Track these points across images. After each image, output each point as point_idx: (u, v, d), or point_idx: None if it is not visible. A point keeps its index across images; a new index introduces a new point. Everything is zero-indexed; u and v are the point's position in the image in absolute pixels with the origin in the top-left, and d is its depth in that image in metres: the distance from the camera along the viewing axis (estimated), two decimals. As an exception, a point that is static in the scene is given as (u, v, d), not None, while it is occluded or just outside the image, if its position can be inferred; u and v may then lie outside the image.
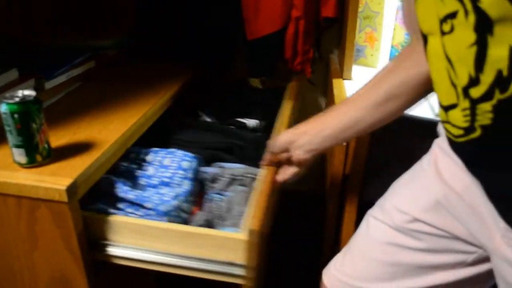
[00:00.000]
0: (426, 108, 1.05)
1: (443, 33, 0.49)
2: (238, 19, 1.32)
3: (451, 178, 0.65)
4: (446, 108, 0.53)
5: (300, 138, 0.80)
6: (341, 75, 1.28)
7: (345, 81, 1.25)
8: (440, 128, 0.72)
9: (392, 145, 0.85)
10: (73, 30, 1.41)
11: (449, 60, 0.49)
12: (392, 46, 1.42)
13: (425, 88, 0.68)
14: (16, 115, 0.71)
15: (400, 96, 0.69)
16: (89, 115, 0.94)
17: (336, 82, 1.22)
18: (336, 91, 1.15)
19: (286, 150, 0.82)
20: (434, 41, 0.52)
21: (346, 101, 0.77)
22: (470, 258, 0.69)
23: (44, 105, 0.96)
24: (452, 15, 0.46)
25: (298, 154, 0.81)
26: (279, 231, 1.73)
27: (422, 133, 0.83)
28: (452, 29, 0.47)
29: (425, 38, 0.54)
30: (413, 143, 0.84)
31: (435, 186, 0.68)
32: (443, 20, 0.48)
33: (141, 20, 1.40)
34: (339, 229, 1.07)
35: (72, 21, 1.41)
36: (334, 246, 1.11)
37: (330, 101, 1.39)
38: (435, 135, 0.76)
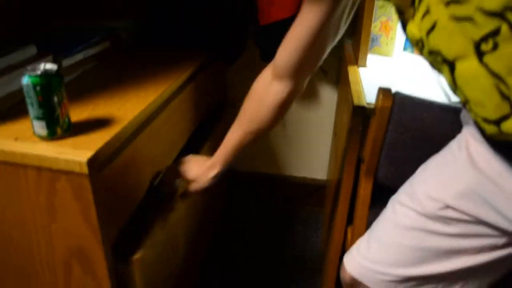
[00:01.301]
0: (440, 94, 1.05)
1: (482, 54, 0.50)
2: (251, 5, 1.32)
3: (485, 165, 0.65)
4: (498, 121, 0.54)
5: (196, 176, 0.94)
6: (356, 62, 1.27)
7: (360, 69, 1.25)
8: (467, 117, 0.72)
9: (411, 128, 0.85)
10: (87, 10, 1.41)
11: (497, 76, 0.50)
12: (407, 36, 1.42)
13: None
14: (38, 88, 0.71)
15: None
16: (106, 93, 0.94)
17: (351, 69, 1.22)
18: (351, 78, 1.15)
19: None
20: (468, 64, 0.53)
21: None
22: (500, 242, 0.69)
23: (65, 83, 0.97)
24: (494, 33, 0.48)
25: (195, 186, 0.96)
26: (281, 220, 1.75)
27: (442, 118, 0.84)
28: (496, 46, 0.49)
29: (451, 65, 0.55)
30: (432, 128, 0.84)
31: (468, 172, 0.68)
32: (482, 41, 0.49)
33: (154, 3, 1.40)
34: (351, 215, 1.07)
35: (86, 1, 1.41)
36: (345, 231, 1.12)
37: (342, 88, 1.39)
38: (456, 121, 0.76)
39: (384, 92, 0.85)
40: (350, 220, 1.10)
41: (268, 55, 1.40)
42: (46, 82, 0.71)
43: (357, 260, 0.82)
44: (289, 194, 1.82)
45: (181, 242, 1.12)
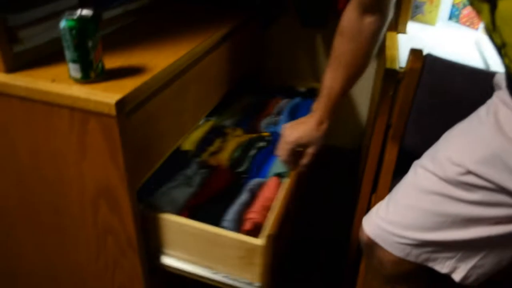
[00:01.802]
0: (478, 60, 1.01)
1: None
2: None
3: None
4: None
5: (308, 136, 0.89)
6: (395, 28, 1.24)
7: (399, 35, 1.21)
8: (500, 81, 0.69)
9: (441, 93, 0.83)
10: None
11: None
12: (453, 5, 1.35)
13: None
14: (73, 31, 0.74)
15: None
16: (142, 45, 0.97)
17: (389, 35, 1.19)
18: (388, 43, 1.12)
19: (299, 146, 0.91)
20: (507, 4, 0.51)
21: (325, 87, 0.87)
22: None
23: (101, 33, 1.00)
24: None
25: (312, 149, 0.91)
26: (314, 184, 1.74)
27: (474, 83, 0.81)
28: None
29: (492, 3, 0.53)
30: (462, 93, 0.81)
31: (495, 138, 0.66)
32: None
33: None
34: (376, 180, 1.06)
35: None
36: (371, 195, 1.11)
37: (380, 56, 1.36)
38: (488, 86, 0.73)
39: (415, 52, 0.83)
40: (375, 188, 1.09)
41: (308, 20, 1.39)
42: (82, 26, 0.75)
43: (375, 221, 0.82)
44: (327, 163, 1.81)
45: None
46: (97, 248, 0.91)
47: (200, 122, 1.21)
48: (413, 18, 1.34)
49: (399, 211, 0.78)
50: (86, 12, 0.77)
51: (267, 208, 0.90)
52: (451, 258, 0.76)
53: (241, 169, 1.04)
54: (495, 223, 0.71)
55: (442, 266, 0.77)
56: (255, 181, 0.99)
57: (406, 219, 0.77)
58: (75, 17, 0.75)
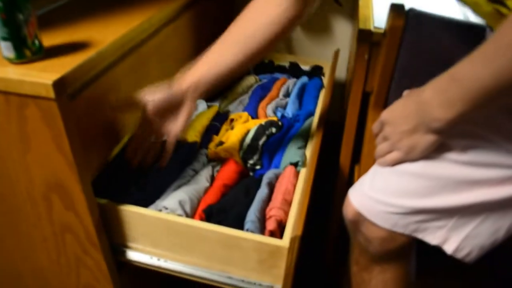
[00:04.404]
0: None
1: None
2: None
3: None
4: None
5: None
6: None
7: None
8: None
9: (426, 53, 0.75)
10: None
11: None
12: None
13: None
14: (0, 4, 0.64)
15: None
16: (88, 20, 0.86)
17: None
18: (361, 2, 1.03)
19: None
20: None
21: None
22: None
23: (45, 10, 0.89)
24: None
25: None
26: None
27: (464, 40, 0.72)
28: None
29: None
30: (450, 51, 0.73)
31: None
32: None
33: None
34: (359, 150, 0.99)
35: None
36: (353, 166, 1.04)
37: (354, 15, 1.27)
38: (480, 43, 0.65)
39: (395, 8, 0.74)
40: (356, 160, 1.02)
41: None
42: (8, -3, 0.64)
43: (363, 191, 0.74)
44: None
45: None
46: (56, 247, 0.83)
47: (203, 108, 1.11)
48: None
49: (385, 177, 0.71)
50: (14, -19, 0.66)
51: (287, 203, 0.81)
52: (442, 227, 0.69)
53: (252, 160, 0.94)
54: (489, 186, 0.64)
55: (432, 237, 0.70)
56: (271, 173, 0.89)
57: (393, 185, 0.69)
58: (-1, -13, 0.64)
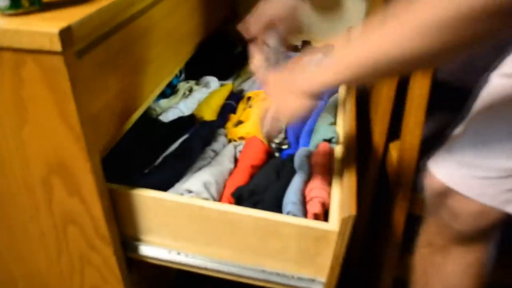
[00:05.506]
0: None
1: None
2: None
3: None
4: None
5: None
6: None
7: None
8: None
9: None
10: None
11: None
12: None
13: None
14: None
15: None
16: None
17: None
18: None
19: None
20: None
21: None
22: None
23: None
24: None
25: None
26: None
27: None
28: None
29: None
30: None
31: None
32: None
33: None
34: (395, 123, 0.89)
35: None
36: (387, 143, 0.93)
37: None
38: None
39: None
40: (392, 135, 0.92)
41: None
42: None
43: (444, 161, 0.65)
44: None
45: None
46: (57, 243, 0.70)
47: (215, 87, 1.01)
48: None
49: (470, 141, 0.62)
50: None
51: (327, 183, 0.71)
52: None
53: (278, 139, 0.83)
54: None
55: None
56: (303, 151, 0.78)
57: (484, 145, 0.59)
58: None
